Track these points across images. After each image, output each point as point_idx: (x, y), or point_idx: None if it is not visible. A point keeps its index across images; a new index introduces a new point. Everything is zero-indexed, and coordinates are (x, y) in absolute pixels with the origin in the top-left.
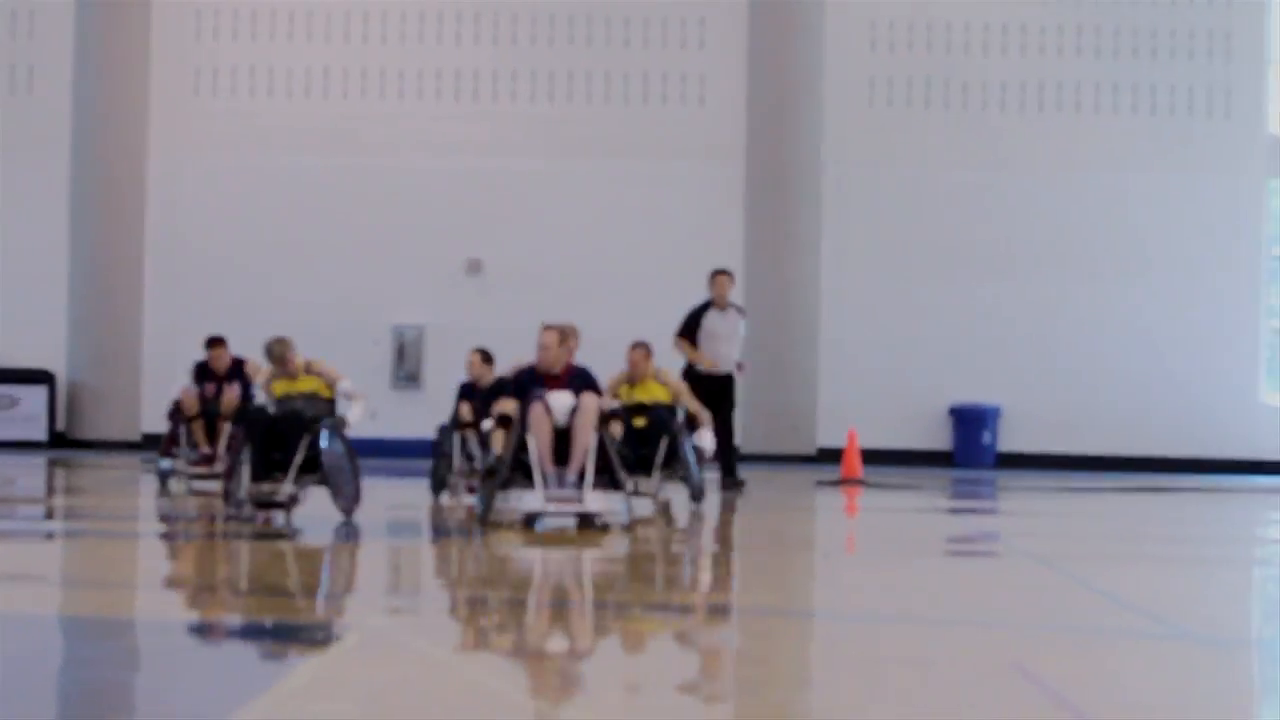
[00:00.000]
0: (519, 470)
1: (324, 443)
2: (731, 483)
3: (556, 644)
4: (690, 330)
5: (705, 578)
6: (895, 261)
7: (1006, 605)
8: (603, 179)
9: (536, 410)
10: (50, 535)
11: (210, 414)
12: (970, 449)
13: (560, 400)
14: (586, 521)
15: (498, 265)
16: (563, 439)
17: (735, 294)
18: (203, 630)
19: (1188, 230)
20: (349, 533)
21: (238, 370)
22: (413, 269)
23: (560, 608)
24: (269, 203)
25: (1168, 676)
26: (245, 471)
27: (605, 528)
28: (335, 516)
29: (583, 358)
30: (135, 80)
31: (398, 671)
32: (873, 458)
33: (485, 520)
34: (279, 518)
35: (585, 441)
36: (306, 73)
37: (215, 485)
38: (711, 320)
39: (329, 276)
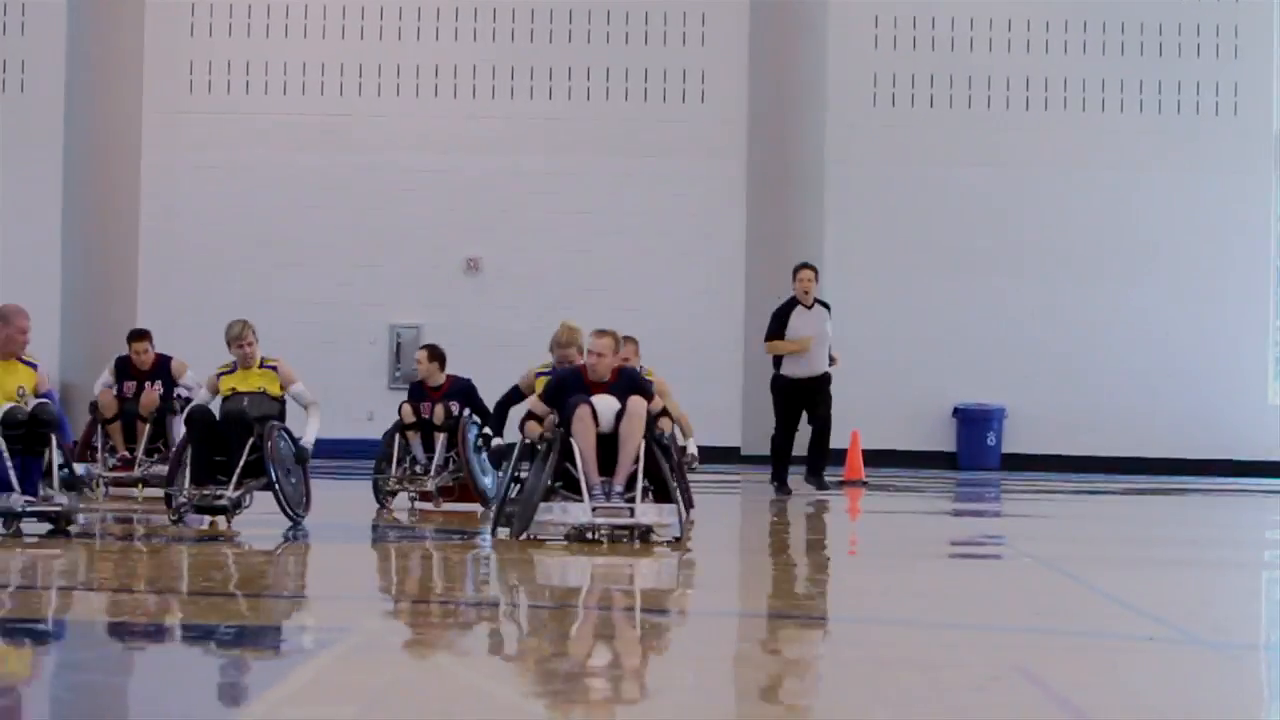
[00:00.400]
0: (559, 479)
1: (281, 465)
2: (819, 483)
3: (557, 647)
4: (776, 333)
5: (706, 581)
6: (899, 260)
7: (1010, 608)
8: (603, 177)
9: (581, 414)
10: (41, 539)
11: (129, 414)
12: (974, 450)
13: (606, 404)
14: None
15: (496, 264)
16: (606, 446)
17: (738, 293)
18: (198, 635)
19: (1195, 229)
20: (300, 536)
21: (162, 369)
22: (410, 268)
23: (560, 611)
24: (264, 201)
25: (1173, 680)
26: (186, 475)
27: (650, 539)
28: (311, 520)
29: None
30: (129, 77)
31: (395, 675)
32: (876, 459)
33: (519, 535)
34: (223, 522)
35: (633, 449)
36: (302, 69)
37: (134, 490)
38: (797, 322)
39: (325, 276)
